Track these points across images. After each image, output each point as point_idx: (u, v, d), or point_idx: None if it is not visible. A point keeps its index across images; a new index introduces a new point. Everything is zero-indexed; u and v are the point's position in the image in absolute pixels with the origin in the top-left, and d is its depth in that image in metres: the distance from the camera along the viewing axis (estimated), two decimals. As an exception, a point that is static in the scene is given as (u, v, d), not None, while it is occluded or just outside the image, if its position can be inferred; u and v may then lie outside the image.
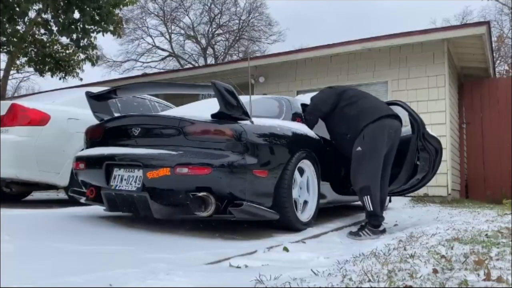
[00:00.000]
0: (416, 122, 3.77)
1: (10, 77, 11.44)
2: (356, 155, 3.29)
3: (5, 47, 8.64)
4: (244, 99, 2.93)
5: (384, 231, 3.21)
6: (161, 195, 2.76)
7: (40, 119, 4.15)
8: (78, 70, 10.08)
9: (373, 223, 3.19)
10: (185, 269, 1.87)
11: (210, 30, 26.12)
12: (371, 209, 3.17)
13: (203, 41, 26.45)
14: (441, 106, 7.11)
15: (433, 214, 4.69)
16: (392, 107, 4.18)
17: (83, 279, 1.66)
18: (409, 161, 3.79)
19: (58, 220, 3.03)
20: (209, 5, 25.39)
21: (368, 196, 3.16)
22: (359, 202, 3.37)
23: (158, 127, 3.01)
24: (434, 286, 1.36)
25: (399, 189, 3.93)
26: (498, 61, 19.41)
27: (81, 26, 8.83)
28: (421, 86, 7.23)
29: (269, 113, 3.53)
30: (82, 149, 3.44)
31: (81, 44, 9.15)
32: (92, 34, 9.10)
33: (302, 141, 3.38)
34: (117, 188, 2.86)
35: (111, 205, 2.98)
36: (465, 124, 8.67)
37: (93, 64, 9.91)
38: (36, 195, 5.98)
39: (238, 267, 2.02)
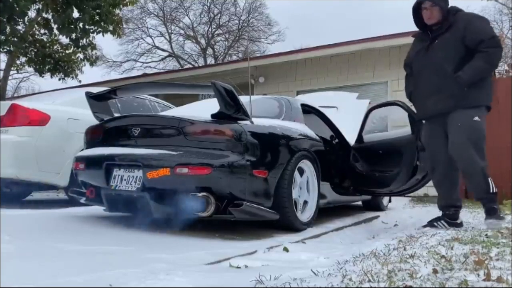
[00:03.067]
0: (416, 122, 3.77)
1: (10, 77, 11.44)
2: (473, 126, 2.88)
3: (5, 47, 8.63)
4: (244, 99, 2.93)
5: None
6: (161, 195, 2.76)
7: (40, 119, 4.15)
8: (77, 71, 10.08)
9: (495, 206, 2.93)
10: (185, 269, 1.87)
11: (209, 30, 26.16)
12: (495, 190, 2.90)
13: (203, 41, 26.47)
14: (441, 106, 7.11)
15: (433, 214, 4.67)
16: (391, 107, 4.18)
17: (83, 279, 1.66)
18: (409, 161, 3.79)
19: (58, 220, 3.03)
20: (208, 5, 25.41)
21: (490, 178, 2.87)
22: (359, 202, 3.37)
23: (158, 127, 3.01)
24: (434, 286, 1.36)
25: (399, 190, 3.93)
26: (498, 61, 19.39)
27: (81, 25, 8.84)
28: (421, 86, 7.24)
29: (269, 113, 3.53)
30: (82, 149, 3.44)
31: (80, 44, 9.16)
32: (91, 34, 9.11)
33: (302, 141, 3.38)
34: (117, 188, 2.86)
35: (111, 205, 2.98)
36: (465, 124, 8.66)
37: (91, 64, 9.92)
38: (36, 195, 5.97)
39: (238, 267, 2.02)
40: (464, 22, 2.92)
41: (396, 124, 5.81)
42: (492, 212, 2.95)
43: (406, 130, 3.95)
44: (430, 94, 3.05)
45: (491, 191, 2.89)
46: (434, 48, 3.03)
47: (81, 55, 9.85)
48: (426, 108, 3.11)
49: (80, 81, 10.21)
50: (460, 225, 3.08)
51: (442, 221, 3.04)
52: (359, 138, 4.39)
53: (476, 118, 2.88)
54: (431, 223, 3.08)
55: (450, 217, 3.07)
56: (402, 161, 3.84)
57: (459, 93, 2.89)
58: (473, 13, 3.05)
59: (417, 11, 3.12)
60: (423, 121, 3.27)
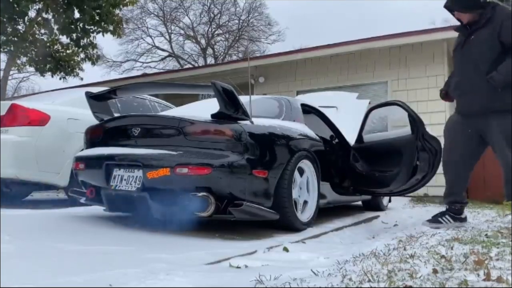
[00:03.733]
0: (415, 122, 3.76)
1: (10, 77, 11.44)
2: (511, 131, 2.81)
3: (5, 47, 8.64)
4: (244, 99, 2.93)
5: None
6: (161, 195, 2.76)
7: (40, 119, 4.15)
8: (78, 70, 10.08)
9: None
10: (185, 269, 1.87)
11: (209, 30, 26.15)
12: None
13: (203, 41, 26.46)
14: (441, 106, 7.11)
15: (433, 214, 4.69)
16: (391, 107, 4.18)
17: (83, 279, 1.66)
18: (409, 161, 3.78)
19: (58, 220, 3.03)
20: (208, 5, 25.40)
21: None
22: (359, 202, 3.37)
23: (158, 127, 3.01)
24: (434, 286, 1.36)
25: (399, 189, 3.93)
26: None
27: (81, 25, 8.85)
28: (421, 86, 7.24)
29: (269, 113, 3.53)
30: (82, 149, 3.44)
31: (81, 44, 9.17)
32: (92, 34, 9.12)
33: (302, 141, 3.38)
34: (117, 188, 2.86)
35: (111, 205, 2.98)
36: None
37: (93, 63, 9.93)
38: (36, 195, 5.97)
39: (238, 267, 2.02)
40: (501, 18, 2.80)
41: (396, 124, 5.81)
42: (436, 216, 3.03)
43: (406, 130, 3.95)
44: (465, 92, 2.97)
45: None
46: (470, 44, 2.94)
47: (82, 55, 9.86)
48: (461, 105, 3.05)
49: (82, 79, 10.22)
50: (464, 219, 3.08)
51: (447, 216, 3.04)
52: (359, 138, 4.39)
53: None
54: (435, 218, 3.07)
55: (455, 212, 3.08)
56: (402, 161, 3.84)
57: (493, 95, 2.80)
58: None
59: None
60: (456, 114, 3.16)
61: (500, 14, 2.83)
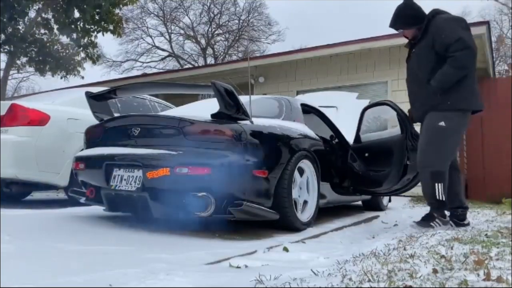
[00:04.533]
0: (404, 121, 3.75)
1: (10, 77, 11.44)
2: (436, 130, 2.92)
3: (5, 47, 8.64)
4: (244, 99, 2.93)
5: (449, 222, 3.03)
6: (161, 195, 2.75)
7: (39, 119, 4.15)
8: (79, 68, 10.08)
9: (442, 213, 3.00)
10: (185, 269, 1.87)
11: (209, 30, 26.15)
12: (442, 198, 2.92)
13: (203, 41, 26.46)
14: (441, 106, 7.11)
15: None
16: (381, 107, 4.18)
17: (83, 279, 1.66)
18: (399, 161, 3.77)
19: (58, 220, 3.03)
20: (208, 5, 25.40)
21: (441, 184, 2.90)
22: (359, 202, 3.36)
23: (158, 127, 3.01)
24: (434, 286, 1.36)
25: (391, 189, 3.93)
26: (497, 61, 19.43)
27: (81, 25, 8.85)
28: (421, 86, 7.23)
29: (269, 113, 3.53)
30: (82, 149, 3.44)
31: (82, 43, 9.17)
32: (92, 34, 9.12)
33: (302, 141, 3.38)
34: (117, 188, 2.86)
35: (111, 205, 2.98)
36: (465, 124, 8.65)
37: (94, 62, 9.93)
38: (36, 195, 5.97)
39: (238, 267, 2.02)
40: (434, 29, 2.94)
41: (395, 124, 5.80)
42: (426, 218, 3.03)
43: (397, 129, 3.95)
44: (412, 102, 3.16)
45: (437, 197, 2.93)
46: (412, 57, 3.12)
47: (82, 54, 9.85)
48: (414, 116, 3.23)
49: (82, 77, 10.22)
50: (467, 225, 3.07)
51: (437, 221, 3.01)
52: (357, 137, 4.39)
53: (442, 123, 2.89)
54: (426, 223, 3.00)
55: (458, 218, 3.07)
56: (392, 161, 3.82)
57: (433, 100, 2.94)
58: (445, 16, 3.02)
59: None
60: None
61: (433, 26, 2.96)
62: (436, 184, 2.91)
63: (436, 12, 3.04)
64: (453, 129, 2.94)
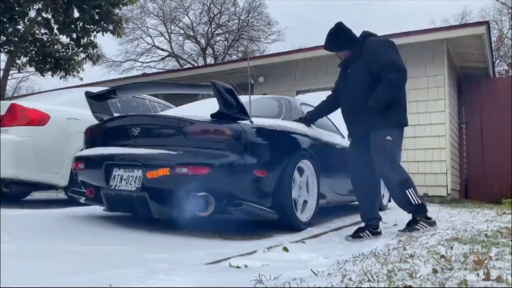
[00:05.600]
0: None
1: (9, 77, 11.43)
2: (386, 144, 3.04)
3: (5, 47, 8.63)
4: (243, 99, 2.94)
5: (435, 222, 3.11)
6: (161, 195, 2.76)
7: (39, 119, 4.14)
8: (78, 69, 10.07)
9: (425, 215, 3.08)
10: (185, 269, 1.87)
11: (209, 30, 26.14)
12: (418, 201, 3.02)
13: (203, 41, 26.46)
14: (441, 106, 7.11)
15: (433, 214, 4.67)
16: None
17: (83, 279, 1.66)
18: None
19: (58, 220, 3.03)
20: (208, 5, 25.39)
21: (412, 189, 3.02)
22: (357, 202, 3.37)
23: (158, 127, 3.01)
24: (433, 286, 1.36)
25: None
26: (497, 61, 19.44)
27: (81, 25, 8.84)
28: (421, 86, 7.24)
29: (269, 113, 3.53)
30: (82, 149, 3.44)
31: (81, 43, 9.17)
32: (92, 34, 9.11)
33: (302, 141, 3.38)
34: (116, 188, 2.86)
35: (111, 205, 2.98)
36: (465, 124, 8.67)
37: (93, 63, 9.92)
38: (36, 195, 5.97)
39: (237, 267, 2.02)
40: (368, 51, 3.08)
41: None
42: (411, 223, 3.10)
43: None
44: (350, 121, 3.24)
45: (414, 202, 3.02)
46: (348, 77, 3.21)
47: (82, 55, 9.85)
48: (350, 133, 3.30)
49: (81, 78, 10.21)
50: (380, 233, 3.18)
51: (367, 231, 3.11)
52: None
53: (388, 137, 3.02)
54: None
55: (373, 228, 3.15)
56: None
57: (372, 118, 3.04)
58: (376, 39, 3.20)
59: None
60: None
61: (367, 48, 3.09)
62: (407, 191, 3.01)
63: (367, 34, 3.21)
64: (397, 142, 3.10)
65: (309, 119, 3.71)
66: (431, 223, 3.06)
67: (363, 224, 3.21)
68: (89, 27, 8.94)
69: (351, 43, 3.15)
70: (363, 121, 3.11)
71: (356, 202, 3.90)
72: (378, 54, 3.04)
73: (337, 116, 4.67)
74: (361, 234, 3.09)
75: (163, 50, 26.31)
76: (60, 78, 10.05)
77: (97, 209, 3.41)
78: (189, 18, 25.74)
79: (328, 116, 4.32)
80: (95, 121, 3.39)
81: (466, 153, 8.67)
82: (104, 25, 8.99)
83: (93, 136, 3.30)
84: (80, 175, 3.22)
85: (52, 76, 10.08)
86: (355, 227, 3.54)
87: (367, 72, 3.05)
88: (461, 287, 1.34)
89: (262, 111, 3.39)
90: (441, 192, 6.98)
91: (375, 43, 3.13)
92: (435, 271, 1.54)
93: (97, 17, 8.84)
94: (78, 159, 3.18)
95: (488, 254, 1.85)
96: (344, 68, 3.31)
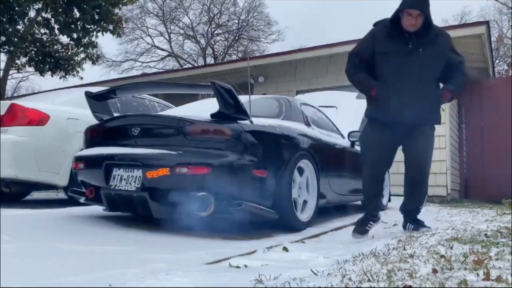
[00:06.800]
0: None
1: (9, 77, 11.43)
2: (431, 143, 3.04)
3: (5, 47, 8.63)
4: (243, 99, 2.94)
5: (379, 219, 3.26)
6: (161, 195, 2.76)
7: (39, 119, 4.14)
8: (78, 69, 10.07)
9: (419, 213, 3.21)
10: (185, 269, 1.87)
11: (209, 30, 26.12)
12: (422, 205, 3.23)
13: (203, 41, 26.45)
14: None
15: (433, 214, 4.69)
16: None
17: (83, 279, 1.66)
18: None
19: (58, 220, 3.03)
20: (208, 5, 25.39)
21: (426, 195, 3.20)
22: (359, 202, 3.38)
23: (158, 127, 3.01)
24: (433, 286, 1.36)
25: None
26: (497, 61, 19.44)
27: (81, 25, 8.84)
28: (421, 86, 7.22)
29: (269, 113, 3.53)
30: (82, 149, 3.44)
31: (81, 43, 9.17)
32: (92, 33, 9.11)
33: (302, 141, 3.38)
34: (116, 188, 2.86)
35: (111, 205, 2.98)
36: (465, 124, 8.67)
37: (93, 63, 9.92)
38: (36, 195, 5.97)
39: (237, 267, 2.02)
40: (445, 39, 2.99)
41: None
42: (419, 223, 3.15)
43: None
44: (408, 102, 2.84)
45: (423, 204, 3.20)
46: (419, 56, 2.86)
47: (82, 55, 9.85)
48: (397, 114, 2.87)
49: (81, 78, 10.21)
50: (379, 218, 3.23)
51: (370, 222, 3.11)
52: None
53: (433, 137, 3.08)
54: (363, 229, 3.06)
55: (374, 216, 3.15)
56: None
57: (432, 108, 2.94)
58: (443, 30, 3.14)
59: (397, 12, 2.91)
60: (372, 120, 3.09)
61: (444, 36, 2.97)
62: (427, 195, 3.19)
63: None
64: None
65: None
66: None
67: (362, 215, 3.19)
68: (89, 27, 8.94)
69: (431, 16, 2.87)
70: (426, 108, 2.88)
71: (356, 202, 3.90)
72: (454, 47, 3.01)
73: (337, 116, 4.68)
74: (367, 228, 3.09)
75: (163, 50, 26.31)
76: (60, 78, 10.05)
77: (97, 209, 3.40)
78: (189, 18, 25.75)
79: (328, 116, 4.34)
80: (95, 121, 3.39)
81: (466, 153, 8.67)
82: (104, 25, 9.00)
83: (93, 136, 3.30)
84: (80, 175, 3.22)
85: (52, 76, 10.08)
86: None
87: (444, 59, 2.92)
88: (461, 287, 1.34)
89: (262, 111, 3.39)
90: (441, 192, 6.98)
91: (447, 35, 3.03)
92: (435, 271, 1.54)
93: (97, 17, 8.84)
94: (78, 159, 3.18)
95: (488, 254, 1.85)
96: (399, 41, 2.88)
